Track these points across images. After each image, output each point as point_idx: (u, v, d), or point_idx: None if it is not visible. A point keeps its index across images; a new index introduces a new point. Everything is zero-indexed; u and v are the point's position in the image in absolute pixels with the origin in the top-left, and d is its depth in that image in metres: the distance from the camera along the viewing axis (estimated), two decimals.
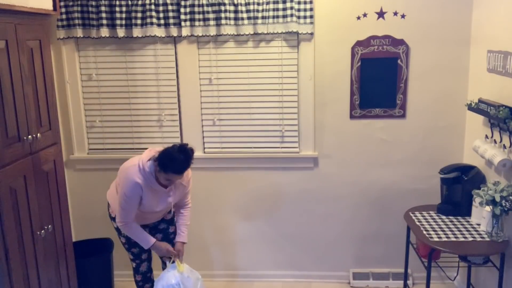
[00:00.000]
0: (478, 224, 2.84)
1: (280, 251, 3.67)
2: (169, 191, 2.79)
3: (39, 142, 2.67)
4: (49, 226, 2.74)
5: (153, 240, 2.81)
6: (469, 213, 2.96)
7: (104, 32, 3.31)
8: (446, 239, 2.69)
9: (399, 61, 3.29)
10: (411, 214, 3.07)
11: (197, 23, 3.26)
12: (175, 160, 2.60)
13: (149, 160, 2.68)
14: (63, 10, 3.30)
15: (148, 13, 3.25)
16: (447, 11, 3.20)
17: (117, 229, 2.90)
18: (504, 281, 2.65)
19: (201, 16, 3.25)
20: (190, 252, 3.55)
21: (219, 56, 3.40)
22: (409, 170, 3.44)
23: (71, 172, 3.63)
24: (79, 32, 3.34)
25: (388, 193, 3.49)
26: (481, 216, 2.79)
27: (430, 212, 3.10)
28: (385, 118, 3.39)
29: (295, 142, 3.47)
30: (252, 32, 3.25)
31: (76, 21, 3.31)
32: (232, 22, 3.25)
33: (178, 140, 3.53)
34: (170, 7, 3.26)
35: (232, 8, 3.22)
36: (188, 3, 3.23)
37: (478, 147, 2.89)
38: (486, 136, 2.94)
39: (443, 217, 3.01)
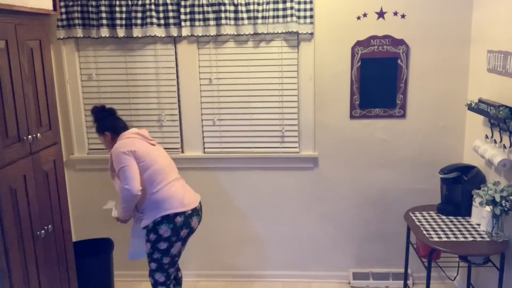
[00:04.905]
0: (478, 224, 2.84)
1: (280, 251, 3.67)
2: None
3: (39, 142, 2.66)
4: (49, 226, 2.74)
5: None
6: (469, 213, 2.96)
7: (104, 32, 3.31)
8: (446, 239, 2.69)
9: (399, 61, 3.29)
10: (411, 214, 3.07)
11: (197, 23, 3.26)
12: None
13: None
14: (63, 10, 3.30)
15: (148, 13, 3.25)
16: (447, 11, 3.20)
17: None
18: (504, 281, 2.65)
19: (201, 16, 3.25)
20: (190, 252, 3.55)
21: (219, 56, 3.40)
22: (409, 170, 3.44)
23: (71, 172, 3.63)
24: (79, 32, 3.34)
25: (388, 193, 3.49)
26: (481, 216, 2.79)
27: (430, 212, 3.10)
28: (385, 118, 3.39)
29: (295, 142, 3.47)
30: (252, 32, 3.25)
31: (76, 21, 3.31)
32: (232, 22, 3.25)
33: (178, 140, 3.54)
34: (170, 7, 3.26)
35: (232, 8, 3.22)
36: (188, 3, 3.23)
37: (478, 147, 2.89)
38: (486, 136, 2.94)
39: (443, 217, 3.01)
